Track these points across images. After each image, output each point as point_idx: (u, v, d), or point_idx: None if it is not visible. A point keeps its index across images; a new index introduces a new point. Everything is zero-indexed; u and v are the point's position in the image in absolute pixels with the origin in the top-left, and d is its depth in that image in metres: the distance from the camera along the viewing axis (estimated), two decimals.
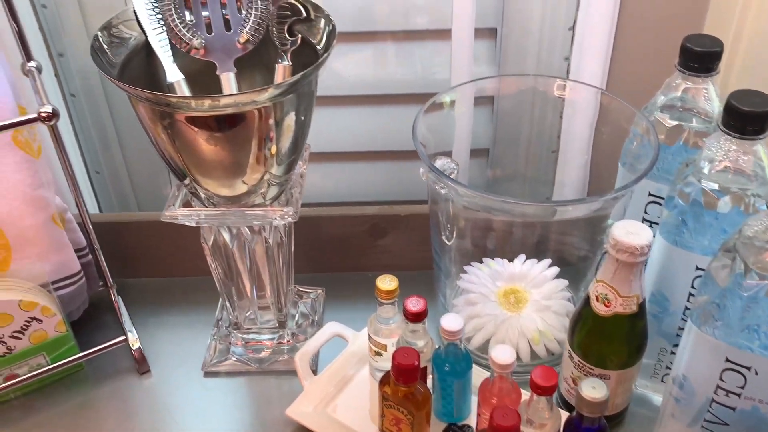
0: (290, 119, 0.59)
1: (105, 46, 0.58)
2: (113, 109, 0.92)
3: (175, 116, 0.55)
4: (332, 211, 0.82)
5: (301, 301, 0.80)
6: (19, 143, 0.64)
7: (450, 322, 0.61)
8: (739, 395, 0.53)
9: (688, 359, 0.55)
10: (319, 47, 0.60)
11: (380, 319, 0.67)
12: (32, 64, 0.63)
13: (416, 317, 0.63)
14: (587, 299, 0.61)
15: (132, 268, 0.84)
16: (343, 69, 0.87)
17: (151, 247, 0.83)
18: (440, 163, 0.70)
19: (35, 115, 0.56)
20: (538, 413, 0.58)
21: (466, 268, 0.76)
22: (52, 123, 0.56)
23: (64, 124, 0.88)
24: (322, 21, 0.60)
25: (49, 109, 0.56)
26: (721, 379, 0.53)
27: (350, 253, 0.83)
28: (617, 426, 0.67)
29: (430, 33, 0.87)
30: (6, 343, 0.68)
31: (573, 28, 0.83)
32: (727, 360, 0.52)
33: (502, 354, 0.58)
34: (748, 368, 0.51)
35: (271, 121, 0.57)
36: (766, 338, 0.50)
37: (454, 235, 0.74)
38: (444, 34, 0.85)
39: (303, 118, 0.60)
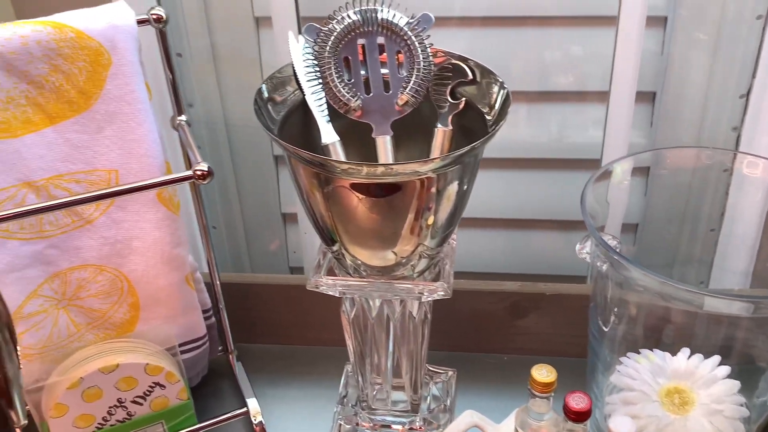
0: (452, 189, 0.58)
1: (266, 103, 0.59)
2: (236, 163, 0.94)
3: (334, 180, 0.55)
4: (468, 284, 0.80)
5: (432, 383, 0.78)
6: (163, 199, 0.65)
7: (621, 425, 0.58)
8: None
9: None
10: (488, 116, 0.59)
11: (531, 414, 0.64)
12: (182, 118, 0.64)
13: (579, 417, 0.59)
14: None
15: (251, 333, 0.84)
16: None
17: (273, 311, 0.84)
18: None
19: (190, 173, 0.57)
20: None
21: (622, 359, 0.72)
22: (206, 182, 0.57)
23: None
24: (495, 87, 0.59)
25: (204, 167, 0.57)
26: None
27: (486, 332, 0.81)
28: None
29: (574, 95, 0.85)
30: (127, 408, 0.69)
31: (747, 95, 0.79)
32: None
33: (620, 426, 0.55)
34: None
35: (433, 190, 0.57)
36: None
37: (615, 322, 0.70)
38: (591, 96, 0.84)
39: (465, 188, 0.59)
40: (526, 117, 0.87)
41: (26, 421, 0.59)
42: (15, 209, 0.57)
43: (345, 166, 0.52)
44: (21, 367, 0.57)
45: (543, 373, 0.62)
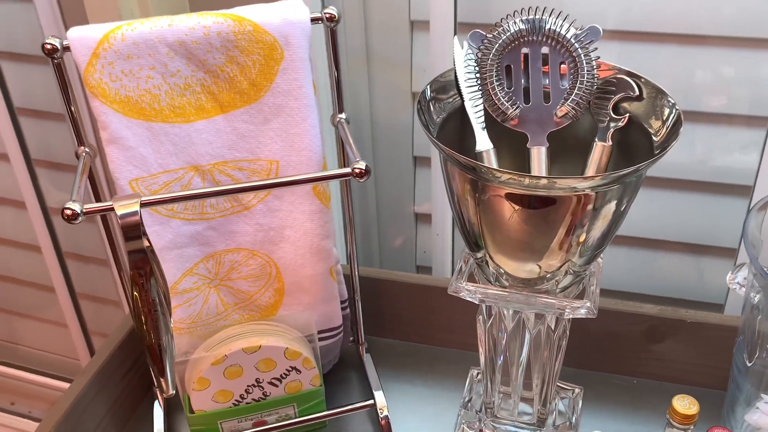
0: (609, 208, 0.54)
1: (429, 105, 0.57)
2: (376, 161, 0.93)
3: (490, 188, 0.53)
4: (605, 303, 0.75)
5: (559, 398, 0.74)
6: (318, 192, 0.65)
7: None
8: None
9: None
10: (655, 137, 0.55)
11: None
12: (342, 115, 0.64)
13: None
14: None
15: (380, 327, 0.83)
16: None
17: (403, 308, 0.82)
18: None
19: (349, 170, 0.57)
20: None
21: (763, 395, 0.67)
22: (363, 180, 0.56)
23: None
24: (665, 107, 0.55)
25: (363, 165, 0.56)
26: None
27: (618, 353, 0.76)
28: None
29: (723, 117, 0.79)
30: (263, 389, 0.69)
31: None
32: None
33: None
34: None
35: (590, 208, 0.53)
36: None
37: (757, 357, 0.65)
38: (739, 119, 0.78)
39: (622, 208, 0.55)
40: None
41: (174, 392, 0.60)
42: (183, 192, 0.57)
43: (506, 177, 0.50)
44: (174, 339, 0.58)
45: (685, 404, 0.58)
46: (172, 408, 0.76)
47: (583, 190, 0.52)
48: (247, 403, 0.69)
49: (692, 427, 0.58)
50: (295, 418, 0.71)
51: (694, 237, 0.85)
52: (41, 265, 1.18)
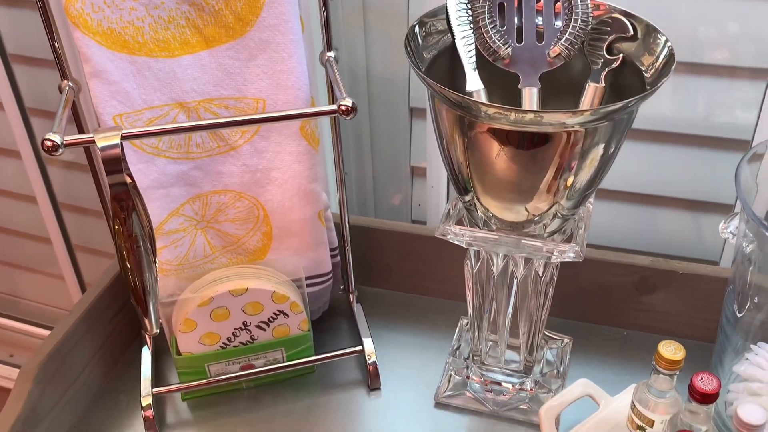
0: (598, 150, 0.53)
1: (419, 41, 0.56)
2: (372, 113, 0.92)
3: (477, 125, 0.51)
4: (596, 253, 0.74)
5: (547, 347, 0.73)
6: (305, 133, 0.63)
7: (751, 413, 0.52)
8: None
9: None
10: (647, 74, 0.54)
11: (653, 390, 0.58)
12: (331, 54, 0.62)
13: (705, 399, 0.54)
14: None
15: (371, 276, 0.83)
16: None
17: (395, 258, 0.81)
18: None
19: (335, 107, 0.55)
20: None
21: (752, 347, 0.66)
22: (350, 117, 0.55)
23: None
24: (659, 45, 0.54)
25: (349, 102, 0.55)
26: None
27: (609, 305, 0.76)
28: None
29: (726, 69, 0.77)
30: (251, 332, 0.69)
31: None
32: None
33: (750, 414, 0.49)
34: None
35: (578, 149, 0.52)
36: None
37: (748, 307, 0.64)
38: (742, 72, 0.76)
39: (611, 151, 0.54)
40: (678, 89, 0.80)
41: (158, 331, 0.59)
42: (165, 126, 0.56)
43: (492, 111, 0.48)
44: (158, 279, 0.58)
45: (671, 349, 0.57)
46: (161, 353, 0.75)
47: (573, 126, 0.50)
48: (234, 347, 0.69)
49: (678, 372, 0.57)
50: (283, 362, 0.71)
51: (691, 193, 0.83)
52: (38, 217, 1.18)
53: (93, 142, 0.52)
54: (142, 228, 0.54)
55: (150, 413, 0.67)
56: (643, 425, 0.60)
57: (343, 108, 0.55)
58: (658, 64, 0.53)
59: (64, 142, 0.52)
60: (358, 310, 0.77)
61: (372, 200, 1.00)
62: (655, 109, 0.80)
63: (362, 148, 0.95)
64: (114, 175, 0.52)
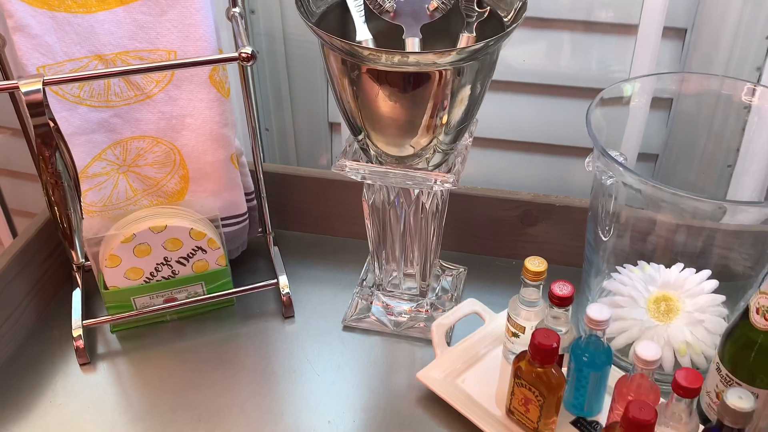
0: (467, 89, 0.63)
1: None
2: (290, 74, 1.00)
3: (363, 69, 0.60)
4: (486, 191, 0.85)
5: (444, 276, 0.84)
6: (214, 82, 0.72)
7: (596, 311, 0.63)
8: None
9: None
10: (506, 20, 0.64)
11: (523, 301, 0.69)
12: (236, 10, 0.71)
13: (561, 302, 0.65)
14: (746, 311, 0.61)
15: (289, 221, 0.92)
16: (516, 56, 0.90)
17: (309, 203, 0.91)
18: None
19: (236, 55, 0.64)
20: (676, 416, 0.59)
21: (618, 268, 0.77)
22: (249, 64, 0.64)
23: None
24: None
25: (248, 50, 0.64)
26: None
27: (498, 237, 0.86)
28: None
29: (613, 27, 0.88)
30: (172, 267, 0.77)
31: None
32: None
33: (648, 351, 0.60)
34: None
35: (449, 90, 0.62)
36: None
37: (612, 233, 0.75)
38: (627, 29, 0.86)
39: (479, 90, 0.64)
40: (552, 45, 0.90)
41: (83, 260, 0.68)
42: (82, 72, 0.64)
43: (367, 52, 0.58)
44: (83, 217, 0.66)
45: (535, 263, 0.68)
46: (91, 293, 0.83)
47: (444, 66, 0.60)
48: (157, 281, 0.78)
49: (542, 283, 0.68)
50: (204, 295, 0.80)
51: (564, 139, 0.94)
52: None
53: (17, 87, 0.59)
54: (66, 166, 0.62)
55: (81, 343, 0.76)
56: (517, 332, 0.71)
57: (244, 55, 0.64)
58: (514, 13, 0.63)
59: None
60: (275, 250, 0.86)
61: (294, 156, 1.08)
62: (544, 64, 0.90)
63: (282, 105, 1.03)
64: (37, 117, 0.60)
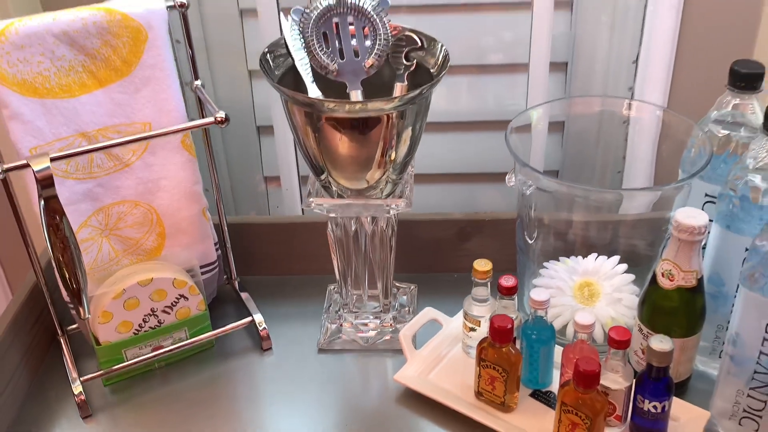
0: (408, 129, 0.78)
1: (270, 63, 0.79)
2: (225, 136, 1.12)
3: (323, 118, 0.75)
4: (424, 216, 1.00)
5: (399, 294, 0.98)
6: (186, 146, 0.84)
7: (538, 294, 0.79)
8: None
9: (739, 318, 0.71)
10: (432, 70, 0.80)
11: (475, 298, 0.85)
12: (198, 82, 0.84)
13: (509, 291, 0.80)
14: (654, 277, 0.78)
15: (252, 267, 1.03)
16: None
17: (268, 248, 1.03)
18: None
19: (212, 119, 0.77)
20: (614, 367, 0.74)
21: (545, 264, 0.94)
22: (225, 125, 0.77)
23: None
24: (438, 49, 0.80)
25: (223, 114, 0.77)
26: (766, 332, 0.69)
27: (439, 254, 1.02)
28: (681, 394, 0.83)
29: (504, 67, 1.06)
30: (158, 317, 0.87)
31: (636, 61, 1.02)
32: None
33: (584, 318, 0.76)
34: None
35: (395, 131, 0.77)
36: None
37: (537, 236, 0.92)
38: (517, 68, 1.05)
39: (418, 129, 0.80)
40: (466, 88, 1.08)
41: (89, 315, 0.77)
42: (80, 148, 0.75)
43: (331, 104, 0.72)
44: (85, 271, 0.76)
45: (482, 264, 0.83)
46: (77, 352, 0.91)
47: (389, 110, 0.75)
48: (145, 331, 0.87)
49: (489, 280, 0.83)
50: (187, 339, 0.90)
51: (490, 166, 1.12)
52: None
53: (28, 165, 0.70)
54: (70, 229, 0.73)
55: (82, 398, 0.84)
56: (473, 326, 0.86)
57: (219, 119, 0.77)
58: (439, 63, 0.80)
59: (4, 168, 0.70)
60: (243, 292, 0.98)
61: (233, 210, 1.20)
62: (455, 105, 1.08)
63: (219, 165, 1.15)
64: (47, 189, 0.70)
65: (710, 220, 0.81)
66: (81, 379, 0.85)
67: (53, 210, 0.71)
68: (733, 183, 0.75)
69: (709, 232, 0.79)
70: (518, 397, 0.81)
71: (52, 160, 0.71)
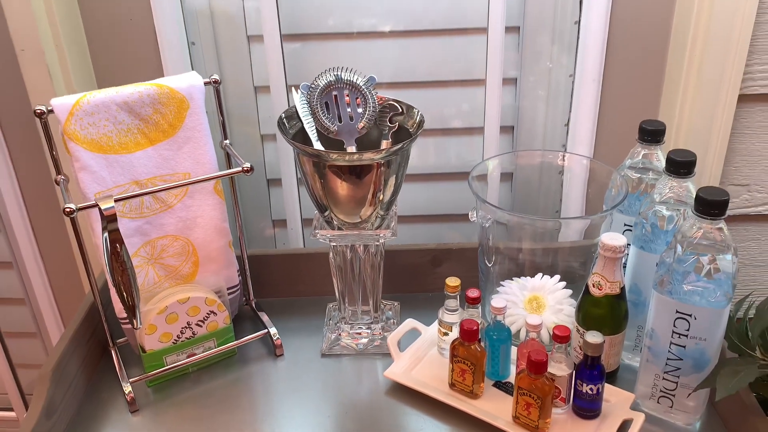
0: (393, 176, 0.86)
1: (285, 125, 0.86)
2: (240, 185, 1.19)
3: (327, 166, 0.82)
4: (404, 246, 1.07)
5: (386, 309, 1.04)
6: (217, 191, 0.91)
7: (497, 302, 0.86)
8: (686, 336, 0.76)
9: (653, 316, 0.79)
10: (411, 130, 0.88)
11: (447, 308, 0.91)
12: (227, 141, 0.91)
13: (474, 300, 0.87)
14: (587, 288, 0.86)
15: (265, 289, 1.08)
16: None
17: (278, 274, 1.08)
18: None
19: (240, 169, 0.84)
20: (558, 358, 0.81)
21: (502, 283, 1.01)
22: (249, 174, 0.84)
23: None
24: (415, 114, 0.89)
25: (248, 165, 0.84)
26: (674, 326, 0.77)
27: (416, 278, 1.08)
28: (612, 382, 0.90)
29: (465, 130, 1.15)
30: (192, 329, 0.92)
31: (567, 124, 1.11)
32: (677, 312, 0.76)
33: (534, 320, 0.83)
34: (690, 315, 0.75)
35: (383, 177, 0.84)
36: (699, 295, 0.74)
37: (494, 260, 0.99)
38: (475, 131, 1.14)
39: (400, 175, 0.87)
40: (434, 148, 1.17)
41: (141, 326, 0.82)
42: (134, 192, 0.81)
43: (334, 155, 0.80)
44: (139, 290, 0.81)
45: (453, 280, 0.90)
46: (124, 361, 0.95)
47: (378, 160, 0.82)
48: (182, 341, 0.92)
49: (458, 293, 0.90)
50: (215, 348, 0.95)
51: (454, 208, 1.20)
52: None
53: (97, 206, 0.76)
54: (128, 256, 0.78)
55: (131, 395, 0.88)
56: (446, 331, 0.92)
57: (246, 168, 0.84)
58: (416, 125, 0.88)
59: (78, 207, 0.76)
60: (260, 311, 1.03)
61: (246, 246, 1.25)
62: (426, 161, 1.16)
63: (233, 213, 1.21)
64: (112, 223, 0.76)
65: (628, 244, 0.90)
66: (130, 380, 0.90)
67: (115, 240, 0.77)
68: (645, 214, 0.84)
69: (627, 254, 0.87)
70: (484, 387, 0.87)
71: (116, 200, 0.77)
